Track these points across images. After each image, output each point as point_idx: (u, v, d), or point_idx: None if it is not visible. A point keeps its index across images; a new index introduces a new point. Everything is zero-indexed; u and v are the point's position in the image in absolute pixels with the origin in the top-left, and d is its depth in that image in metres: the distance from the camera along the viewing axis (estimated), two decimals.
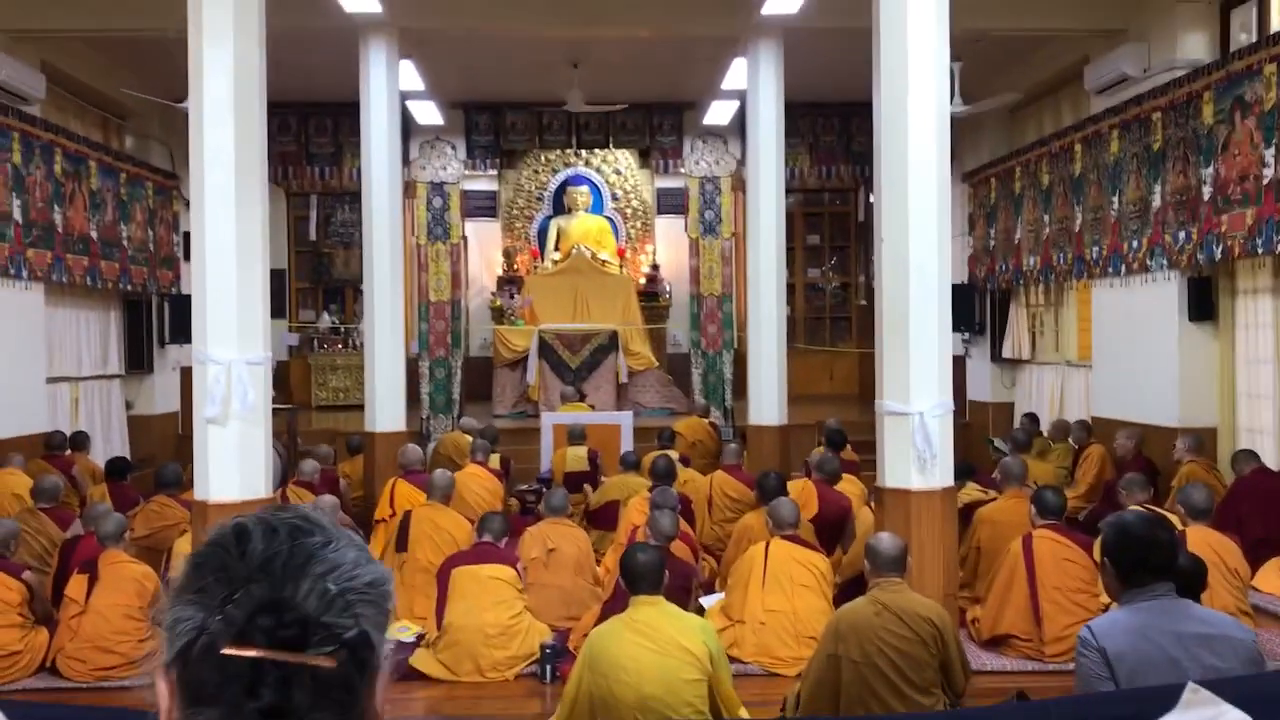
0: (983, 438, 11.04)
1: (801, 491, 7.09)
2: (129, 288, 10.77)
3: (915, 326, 5.56)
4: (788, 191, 10.42)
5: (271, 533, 0.95)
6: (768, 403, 9.61)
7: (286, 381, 14.88)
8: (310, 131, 12.77)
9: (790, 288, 11.22)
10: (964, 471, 7.39)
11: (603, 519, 8.00)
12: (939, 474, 5.54)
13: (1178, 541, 2.83)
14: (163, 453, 11.09)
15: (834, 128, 13.05)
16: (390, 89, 9.57)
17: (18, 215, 8.64)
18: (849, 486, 7.47)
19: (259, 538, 0.95)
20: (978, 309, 12.01)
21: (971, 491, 7.36)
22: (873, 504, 6.39)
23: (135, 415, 11.42)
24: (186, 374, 8.86)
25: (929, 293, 5.57)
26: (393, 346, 9.51)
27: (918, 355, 5.56)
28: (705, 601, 6.10)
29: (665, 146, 13.16)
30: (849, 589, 6.18)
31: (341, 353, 14.66)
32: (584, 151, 14.75)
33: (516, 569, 5.85)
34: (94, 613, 5.68)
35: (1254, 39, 7.78)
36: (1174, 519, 5.56)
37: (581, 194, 14.70)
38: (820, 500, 7.08)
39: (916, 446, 5.48)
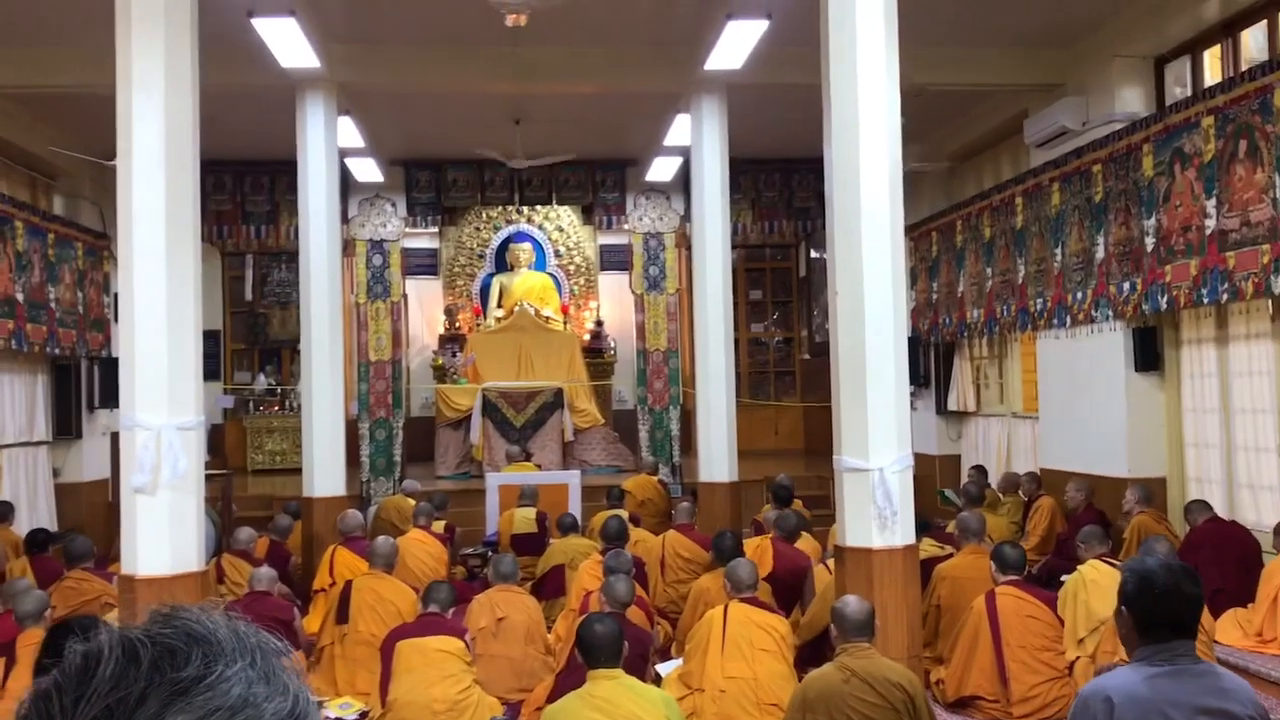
0: (933, 490, 10.96)
1: (757, 549, 6.90)
2: (57, 351, 10.37)
3: (873, 380, 5.43)
4: (731, 247, 10.37)
5: (130, 661, 0.71)
6: (718, 459, 9.46)
7: (221, 446, 14.44)
8: (246, 189, 12.51)
9: (735, 343, 11.14)
10: (920, 527, 7.25)
11: (548, 585, 7.74)
12: (900, 531, 5.39)
13: (1203, 597, 2.56)
14: (92, 522, 10.65)
15: (775, 183, 13.09)
16: (329, 146, 9.37)
17: None
18: (805, 544, 7.30)
19: (110, 669, 0.71)
20: (922, 362, 12.01)
21: (928, 547, 7.21)
22: (829, 563, 6.23)
23: (63, 483, 10.95)
24: (117, 440, 8.49)
25: (885, 345, 5.45)
26: (332, 408, 9.24)
27: (876, 409, 5.43)
28: (662, 669, 5.86)
29: (608, 203, 13.09)
30: (807, 650, 6.02)
31: (278, 415, 14.29)
32: (526, 208, 14.65)
33: (465, 640, 5.57)
34: (11, 699, 5.28)
35: (1189, 92, 7.88)
36: None
37: (524, 251, 14.59)
38: (777, 558, 6.89)
39: (877, 503, 5.33)
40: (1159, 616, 2.47)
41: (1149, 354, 8.20)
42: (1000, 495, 9.50)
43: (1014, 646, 5.55)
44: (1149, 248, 7.72)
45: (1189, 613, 2.50)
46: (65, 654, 0.73)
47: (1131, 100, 8.53)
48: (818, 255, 15.06)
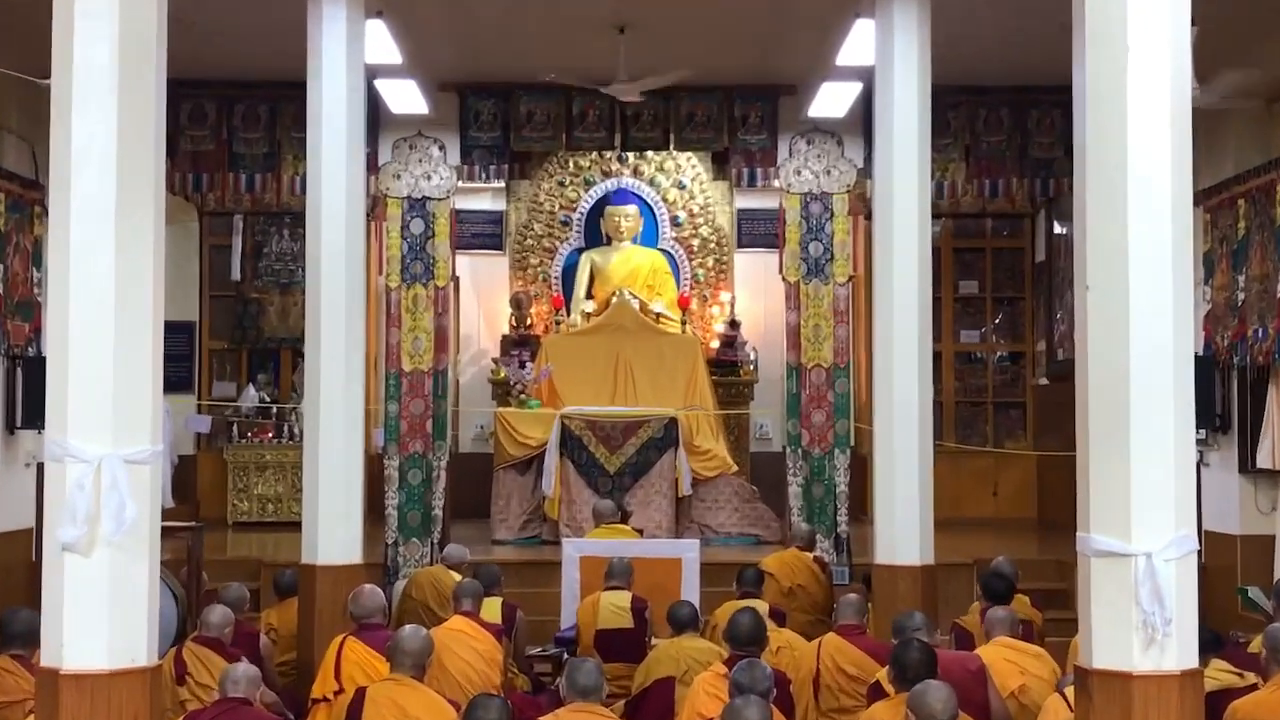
0: (1231, 588, 10.69)
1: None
2: None
3: (1139, 420, 5.29)
4: (934, 216, 10.26)
5: None
6: (904, 529, 9.38)
7: (191, 487, 14.83)
8: (236, 123, 12.83)
9: (935, 357, 11.00)
10: (1209, 643, 7.07)
11: (649, 707, 7.73)
12: (1177, 649, 5.24)
13: None
14: (8, 589, 10.92)
15: (1002, 124, 12.92)
16: (352, 62, 9.55)
17: None
18: (1033, 661, 7.20)
19: None
20: (1219, 395, 11.70)
21: (1221, 674, 7.04)
22: (1068, 691, 6.12)
23: None
24: (44, 473, 8.73)
25: (1160, 368, 5.31)
26: (347, 437, 9.41)
27: (1143, 464, 5.28)
28: None
29: (751, 149, 13.07)
30: None
31: (273, 445, 14.61)
32: (631, 155, 14.78)
33: None
34: None
35: None
36: None
37: (627, 217, 14.75)
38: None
39: (1142, 606, 5.19)
40: None
41: None
42: None
43: None
44: None
45: None
46: None
47: None
48: (1063, 231, 14.79)
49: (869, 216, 11.55)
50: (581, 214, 15.25)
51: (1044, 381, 15.61)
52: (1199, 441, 11.70)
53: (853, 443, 12.57)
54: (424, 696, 6.67)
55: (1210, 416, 11.67)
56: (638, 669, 8.20)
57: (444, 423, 12.74)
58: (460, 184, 13.08)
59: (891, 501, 9.44)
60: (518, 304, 14.96)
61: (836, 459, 12.49)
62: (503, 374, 14.09)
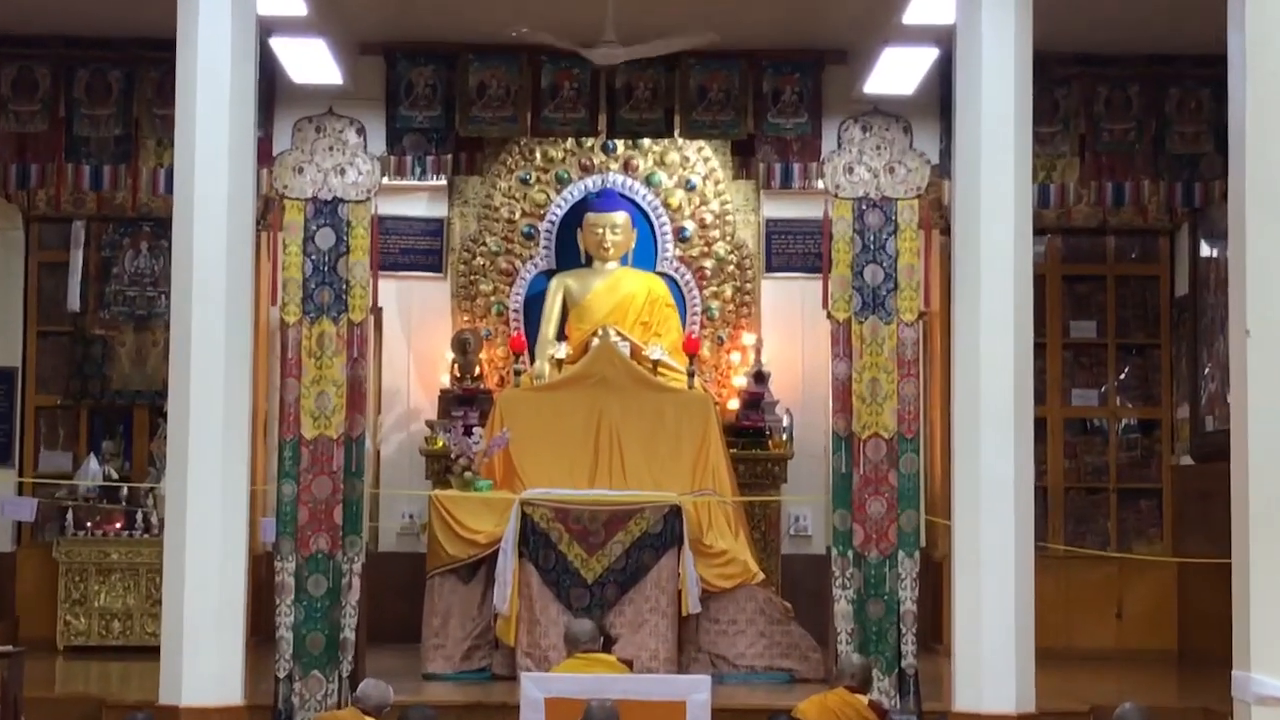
0: None
1: None
2: None
3: None
4: (1037, 231, 10.26)
5: None
6: (994, 666, 9.40)
7: (7, 597, 14.70)
8: (77, 95, 12.84)
9: (1038, 426, 10.92)
10: None
11: None
12: None
13: None
14: None
15: (1130, 106, 12.96)
16: (239, 12, 9.59)
17: None
18: None
19: None
20: None
21: None
22: None
23: None
24: None
25: None
26: (224, 530, 9.44)
27: None
28: None
29: (785, 137, 13.11)
30: None
31: (122, 540, 14.50)
32: (621, 145, 14.76)
33: None
34: None
35: None
36: None
37: (615, 229, 14.70)
38: None
39: None
40: None
41: None
42: None
43: None
44: None
45: None
46: None
47: None
48: (1213, 253, 14.76)
49: (947, 231, 11.55)
50: (552, 224, 15.13)
51: (1187, 461, 15.49)
52: None
53: (923, 543, 12.50)
54: None
55: None
56: None
57: (359, 511, 12.65)
58: (386, 181, 13.04)
59: (977, 625, 9.43)
60: (463, 347, 14.81)
61: (901, 565, 12.41)
62: (441, 443, 13.89)
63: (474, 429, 13.68)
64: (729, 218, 15.20)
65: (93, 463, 15.16)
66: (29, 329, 15.59)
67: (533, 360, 14.74)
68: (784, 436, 14.45)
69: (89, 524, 14.68)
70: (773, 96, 13.04)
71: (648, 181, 15.19)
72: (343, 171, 12.72)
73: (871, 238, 12.63)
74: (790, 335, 15.39)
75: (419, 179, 13.69)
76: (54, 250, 15.56)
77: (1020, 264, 9.56)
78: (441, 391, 14.76)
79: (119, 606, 14.35)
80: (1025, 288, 9.59)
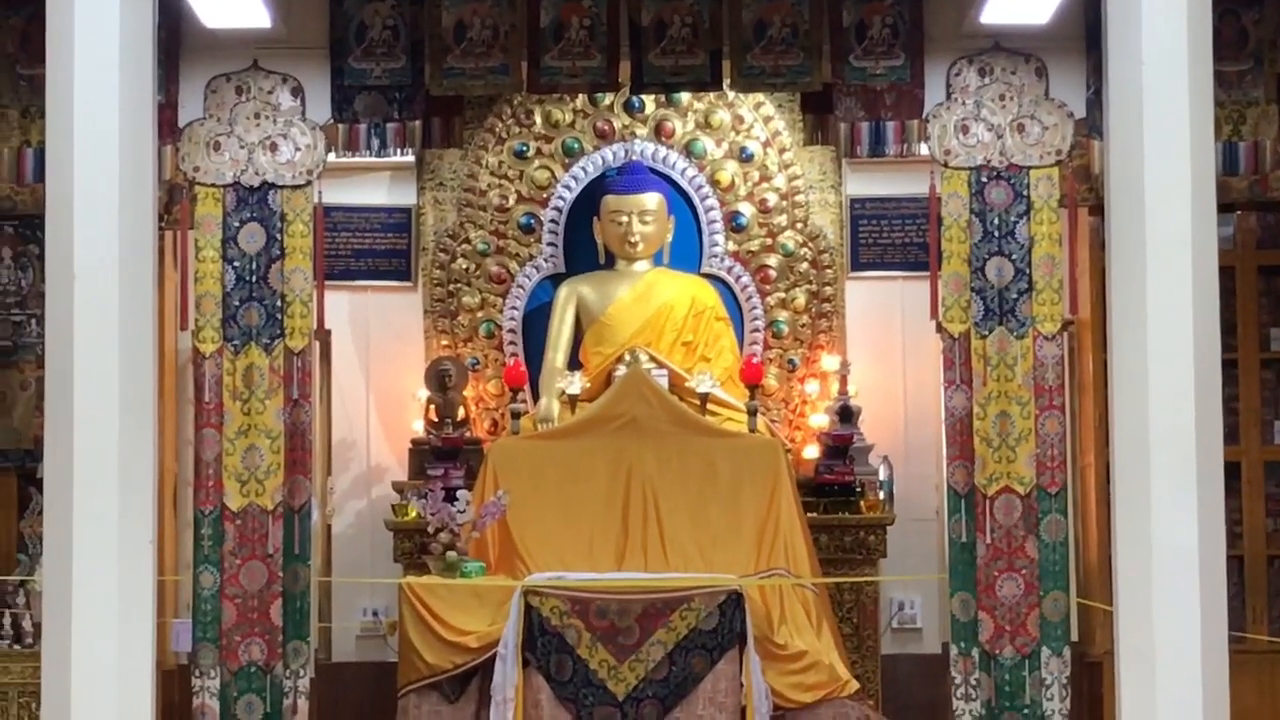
0: None
1: None
2: None
3: None
4: (1224, 207, 10.24)
5: None
6: None
7: None
8: None
9: (1229, 472, 10.82)
10: None
11: None
12: None
13: None
14: None
15: None
16: None
17: None
18: None
19: None
20: None
21: None
22: None
23: None
24: None
25: None
26: (122, 636, 9.39)
27: None
28: None
29: (875, 87, 13.09)
30: None
31: None
32: (651, 102, 14.76)
33: None
34: None
35: None
36: None
37: (644, 215, 14.65)
38: None
39: None
40: None
41: None
42: None
43: None
44: None
45: None
46: None
47: None
48: None
49: (1099, 211, 11.54)
50: (559, 211, 15.15)
51: None
52: None
53: (1076, 636, 12.51)
54: None
55: None
56: None
57: (304, 607, 12.72)
58: (333, 158, 13.11)
59: None
60: (441, 382, 14.78)
61: (1046, 667, 12.43)
62: (414, 513, 13.86)
63: (459, 493, 13.61)
64: (800, 198, 15.11)
65: None
66: None
67: (536, 398, 14.70)
68: (881, 495, 14.34)
69: None
70: (857, 31, 12.97)
71: (688, 151, 15.12)
72: (274, 147, 12.79)
73: (996, 221, 12.67)
74: (887, 357, 15.34)
75: (377, 155, 13.59)
76: None
77: (1201, 253, 9.53)
78: (413, 443, 14.72)
79: None
80: (1209, 285, 9.56)
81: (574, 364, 14.69)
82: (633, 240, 14.61)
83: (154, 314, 10.07)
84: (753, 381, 14.37)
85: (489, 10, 12.86)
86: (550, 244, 15.13)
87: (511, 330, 15.05)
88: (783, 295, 15.07)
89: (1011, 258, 12.62)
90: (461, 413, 14.65)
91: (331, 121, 12.92)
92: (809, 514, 13.66)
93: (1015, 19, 12.47)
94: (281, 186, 12.76)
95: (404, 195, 15.38)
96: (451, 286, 15.11)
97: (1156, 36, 9.52)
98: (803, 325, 15.07)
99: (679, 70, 13.12)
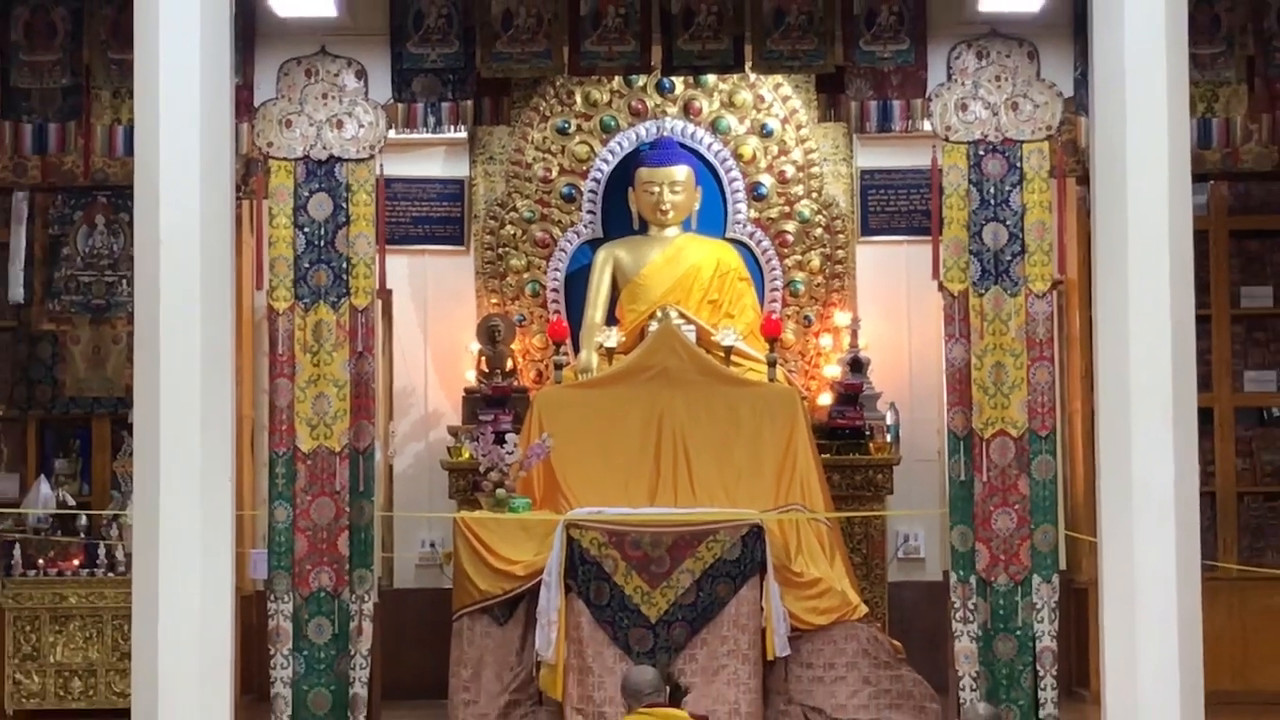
0: None
1: None
2: None
3: None
4: (1198, 177, 10.21)
5: None
6: (1154, 713, 9.34)
7: None
8: (15, 38, 12.88)
9: (1203, 417, 10.80)
10: None
11: None
12: None
13: None
14: None
15: None
16: None
17: None
18: None
19: None
20: None
21: None
22: None
23: None
24: None
25: None
26: (205, 565, 9.41)
27: None
28: None
29: (883, 69, 13.07)
30: None
31: (81, 579, 14.54)
32: (680, 83, 14.75)
33: None
34: None
35: None
36: None
37: (675, 186, 14.69)
38: None
39: None
40: None
41: None
42: None
43: None
44: None
45: None
46: None
47: None
48: None
49: (1085, 180, 11.52)
50: (597, 182, 15.16)
51: None
52: None
53: (1063, 565, 12.48)
54: None
55: None
56: None
57: (368, 539, 12.71)
58: (393, 135, 13.12)
59: (1131, 665, 9.40)
60: (491, 336, 14.80)
61: (1036, 593, 12.40)
62: (467, 454, 13.87)
63: (507, 436, 13.62)
64: (815, 170, 15.16)
65: (44, 486, 15.18)
66: None
67: (577, 350, 14.74)
68: (888, 438, 14.40)
69: (40, 561, 14.68)
70: (866, 18, 12.96)
71: (714, 128, 15.19)
72: (340, 124, 12.79)
73: (992, 190, 12.66)
74: (893, 313, 15.38)
75: (433, 131, 13.59)
76: None
77: (1177, 218, 9.51)
78: (466, 391, 14.77)
79: (79, 661, 14.35)
80: (1184, 247, 9.55)
81: (611, 320, 14.76)
82: (664, 208, 14.68)
83: (232, 275, 10.08)
84: (772, 336, 14.47)
85: (534, 0, 12.86)
86: (589, 212, 15.21)
87: (554, 290, 15.14)
88: (799, 258, 15.15)
89: (1006, 223, 12.61)
90: (510, 364, 14.70)
91: (392, 101, 12.94)
92: (823, 455, 13.78)
93: (1010, 7, 12.47)
94: (347, 160, 12.76)
95: (457, 168, 15.47)
96: (500, 250, 15.20)
97: (1137, 23, 9.51)
98: (817, 285, 15.15)
99: (705, 54, 13.15)
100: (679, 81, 14.93)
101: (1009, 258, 12.60)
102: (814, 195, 15.20)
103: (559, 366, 14.47)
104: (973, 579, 12.42)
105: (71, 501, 15.11)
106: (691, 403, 13.72)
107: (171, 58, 9.50)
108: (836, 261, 15.24)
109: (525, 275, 15.22)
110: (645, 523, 12.74)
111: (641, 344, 14.29)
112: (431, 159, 15.49)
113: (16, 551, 14.68)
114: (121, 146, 12.12)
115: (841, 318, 15.07)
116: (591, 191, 15.23)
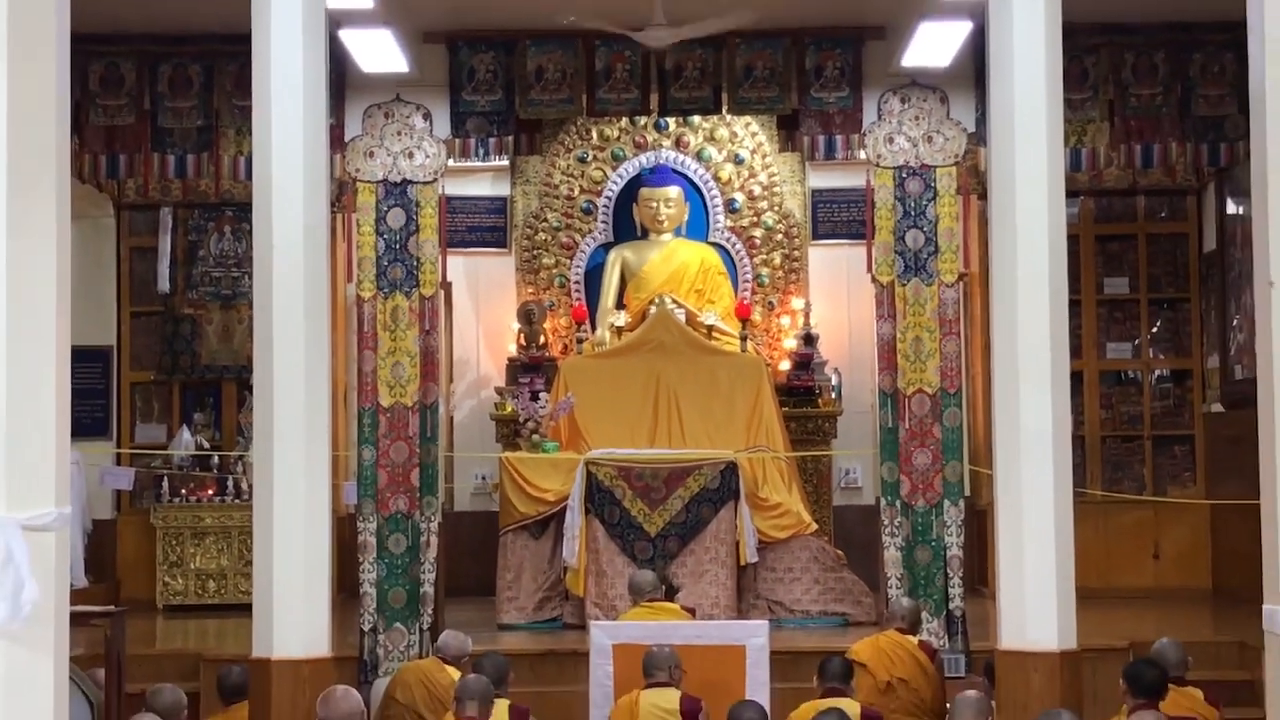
0: None
1: None
2: None
3: None
4: (1070, 193, 10.20)
5: None
6: (1037, 606, 9.32)
7: (109, 561, 14.82)
8: (161, 89, 12.84)
9: (1074, 379, 10.87)
10: None
11: None
12: None
13: None
14: None
15: (1156, 72, 12.82)
16: (310, 7, 9.58)
17: None
18: None
19: None
20: None
21: None
22: None
23: None
24: None
25: None
26: (309, 493, 9.46)
27: None
28: None
29: (828, 110, 13.04)
30: None
31: (214, 505, 14.59)
32: (673, 122, 14.80)
33: None
34: None
35: None
36: None
37: (668, 202, 14.74)
38: None
39: None
40: None
41: None
42: None
43: None
44: None
45: None
46: None
47: None
48: (1239, 210, 14.65)
49: (984, 196, 11.48)
50: (609, 199, 15.24)
51: (1218, 408, 15.40)
52: None
53: (968, 492, 12.45)
54: None
55: None
56: None
57: (434, 473, 12.70)
58: (452, 163, 13.06)
59: (1019, 568, 9.37)
60: (528, 317, 14.86)
61: (947, 513, 12.37)
62: (509, 408, 13.97)
63: (540, 394, 13.72)
64: (776, 189, 15.27)
65: (185, 434, 15.29)
66: (122, 310, 15.72)
67: (594, 328, 14.86)
68: (833, 395, 14.55)
69: (183, 491, 14.81)
70: (815, 72, 12.98)
71: (698, 156, 15.31)
72: (411, 155, 12.75)
73: (912, 204, 12.60)
74: (837, 299, 15.42)
75: (483, 160, 13.66)
76: (143, 236, 15.70)
77: (1054, 225, 9.49)
78: (509, 360, 14.85)
79: (213, 567, 14.48)
80: (1060, 248, 9.52)
81: (619, 305, 14.82)
82: (660, 219, 14.81)
83: (329, 272, 10.09)
84: (743, 317, 14.64)
85: (560, 58, 12.90)
86: (603, 222, 15.36)
87: (576, 282, 15.27)
88: (764, 257, 15.27)
89: (923, 230, 12.55)
90: (542, 339, 14.78)
91: (450, 137, 12.93)
92: (782, 408, 13.94)
93: (925, 63, 12.49)
94: (416, 182, 12.72)
95: (501, 188, 15.64)
96: (534, 252, 15.37)
97: (1024, 75, 9.46)
98: (778, 278, 15.31)
99: (692, 100, 13.19)
100: (672, 121, 15.00)
101: (925, 256, 12.55)
102: (776, 208, 15.31)
103: (580, 341, 14.72)
104: (898, 503, 12.39)
105: (206, 445, 15.25)
106: (681, 368, 13.82)
107: (281, 104, 9.50)
108: (793, 260, 15.39)
109: (554, 271, 15.33)
110: (646, 460, 12.91)
111: (643, 324, 14.40)
112: (481, 181, 15.55)
113: (165, 484, 14.80)
114: (243, 172, 12.11)
115: (797, 303, 15.18)
116: (605, 206, 15.35)
